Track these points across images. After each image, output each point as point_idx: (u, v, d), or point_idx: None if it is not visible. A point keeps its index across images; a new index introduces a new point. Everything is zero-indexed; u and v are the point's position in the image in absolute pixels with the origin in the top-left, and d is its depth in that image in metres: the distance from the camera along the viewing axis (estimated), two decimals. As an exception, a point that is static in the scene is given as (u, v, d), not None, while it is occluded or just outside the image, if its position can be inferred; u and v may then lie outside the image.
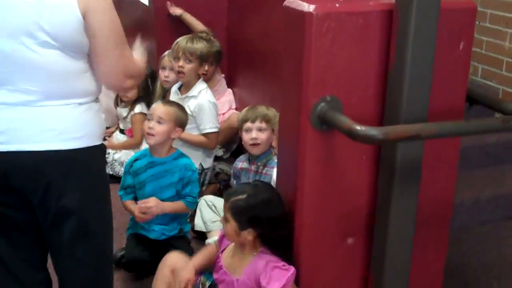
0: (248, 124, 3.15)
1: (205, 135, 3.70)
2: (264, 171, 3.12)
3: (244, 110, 3.29)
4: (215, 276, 2.35)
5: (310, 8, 1.94)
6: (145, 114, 4.00)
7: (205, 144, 3.72)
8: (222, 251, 2.38)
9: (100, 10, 1.87)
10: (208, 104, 3.73)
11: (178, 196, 3.14)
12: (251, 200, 2.17)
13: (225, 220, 2.21)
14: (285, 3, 2.07)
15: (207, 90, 3.81)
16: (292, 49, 2.05)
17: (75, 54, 1.89)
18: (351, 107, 2.05)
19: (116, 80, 2.02)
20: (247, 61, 4.19)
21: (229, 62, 4.46)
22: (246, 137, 3.14)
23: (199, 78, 3.84)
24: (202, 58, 3.80)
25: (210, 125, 3.71)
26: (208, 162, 3.83)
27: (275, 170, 2.51)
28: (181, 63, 3.75)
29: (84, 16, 1.84)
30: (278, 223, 2.16)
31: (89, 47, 1.90)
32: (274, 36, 3.44)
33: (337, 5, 1.98)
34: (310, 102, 2.01)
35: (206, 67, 3.93)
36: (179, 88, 3.86)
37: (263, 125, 3.13)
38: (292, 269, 2.13)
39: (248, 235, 2.18)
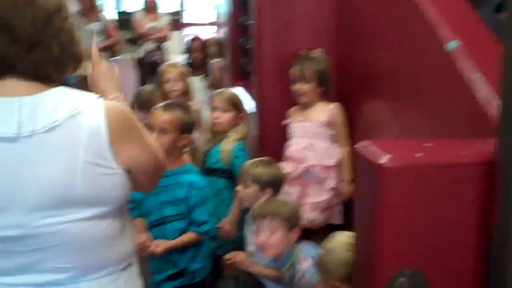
0: (255, 225, 2.54)
1: None
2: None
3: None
4: None
5: (383, 159, 1.56)
6: None
7: None
8: None
9: (143, 161, 1.54)
10: None
11: (186, 221, 2.68)
12: None
13: None
14: (357, 145, 1.71)
15: None
16: (364, 208, 1.66)
17: (113, 211, 1.54)
18: (440, 285, 1.59)
19: (156, 182, 1.72)
20: (361, 87, 3.36)
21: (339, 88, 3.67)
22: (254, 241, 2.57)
23: None
24: None
25: None
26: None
27: None
28: None
29: (127, 170, 1.51)
30: None
31: None
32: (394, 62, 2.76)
33: (418, 155, 1.58)
34: (385, 275, 1.57)
35: None
36: None
37: (274, 224, 2.44)
38: None
39: None
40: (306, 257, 2.43)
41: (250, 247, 2.71)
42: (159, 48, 7.78)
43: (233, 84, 4.66)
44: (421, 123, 2.38)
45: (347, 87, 3.33)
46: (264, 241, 2.41)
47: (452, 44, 2.16)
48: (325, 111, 3.26)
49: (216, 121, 3.11)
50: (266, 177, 2.72)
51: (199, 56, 5.38)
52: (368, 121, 3.06)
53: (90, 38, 7.29)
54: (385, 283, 1.57)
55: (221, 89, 3.50)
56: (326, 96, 3.34)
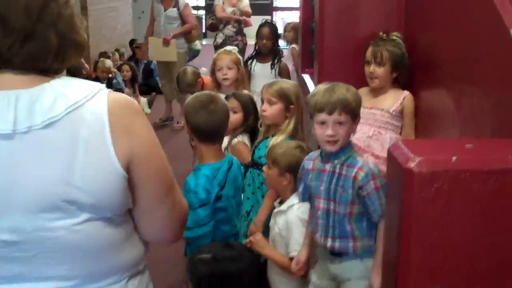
0: (323, 116, 2.31)
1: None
2: (343, 172, 2.32)
3: (317, 91, 2.38)
4: None
5: (412, 162, 1.37)
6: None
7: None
8: None
9: (144, 156, 1.39)
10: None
11: None
12: None
13: None
14: (390, 146, 1.53)
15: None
16: (392, 217, 1.48)
17: (116, 218, 1.42)
18: (477, 306, 1.39)
19: (169, 236, 1.58)
20: (426, 74, 3.08)
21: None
22: (320, 132, 2.32)
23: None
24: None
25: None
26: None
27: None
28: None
29: (128, 167, 1.37)
30: None
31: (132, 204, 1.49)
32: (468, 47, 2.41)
33: (454, 158, 1.37)
34: (412, 294, 1.39)
35: None
36: None
37: (343, 117, 2.29)
38: None
39: None
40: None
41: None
42: (240, 33, 7.68)
43: (303, 71, 4.50)
44: (484, 113, 2.14)
45: (412, 74, 3.08)
46: (334, 133, 2.27)
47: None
48: (396, 100, 3.04)
49: (263, 114, 2.95)
50: (285, 161, 2.59)
51: (268, 43, 5.20)
52: (432, 109, 2.82)
53: (168, 24, 7.38)
54: (412, 302, 1.39)
55: (273, 80, 3.33)
56: (399, 83, 3.11)
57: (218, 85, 3.90)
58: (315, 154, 2.46)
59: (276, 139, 2.83)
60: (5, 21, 1.30)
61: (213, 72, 3.90)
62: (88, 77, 7.81)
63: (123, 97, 1.39)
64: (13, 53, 1.31)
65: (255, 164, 2.92)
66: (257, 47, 5.31)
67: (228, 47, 4.15)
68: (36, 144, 1.28)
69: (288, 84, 3.04)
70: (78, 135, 1.28)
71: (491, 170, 1.36)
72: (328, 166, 2.33)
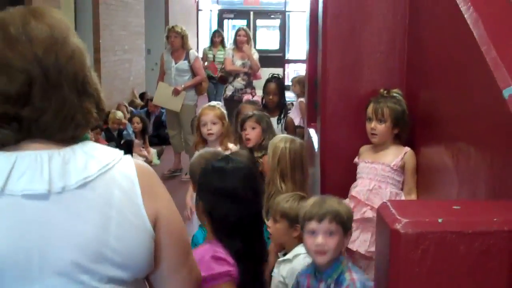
0: (313, 225, 2.30)
1: None
2: None
3: (309, 203, 2.41)
4: None
5: (398, 223, 1.39)
6: None
7: None
8: None
9: (168, 217, 1.43)
10: None
11: None
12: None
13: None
14: (379, 206, 1.55)
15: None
16: (380, 278, 1.49)
17: (136, 284, 1.42)
18: None
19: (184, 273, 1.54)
20: (424, 130, 3.10)
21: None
22: (310, 242, 2.31)
23: None
24: None
25: None
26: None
27: None
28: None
29: (155, 226, 1.39)
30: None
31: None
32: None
33: (440, 220, 1.39)
34: None
35: None
36: None
37: (333, 226, 2.27)
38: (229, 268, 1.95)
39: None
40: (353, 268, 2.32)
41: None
42: (250, 85, 7.80)
43: (308, 125, 4.55)
44: (479, 172, 2.16)
45: (414, 130, 3.12)
46: (323, 243, 2.26)
47: (510, 91, 1.94)
48: (397, 155, 3.07)
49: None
50: (295, 213, 2.59)
51: (274, 98, 5.29)
52: (432, 166, 2.84)
53: (178, 76, 7.55)
54: None
55: (279, 135, 3.41)
56: (400, 139, 3.15)
57: (203, 141, 3.96)
58: (308, 270, 2.45)
59: None
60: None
61: (198, 128, 3.96)
62: (99, 127, 7.93)
63: (146, 164, 1.46)
64: (43, 123, 1.32)
65: None
66: (264, 102, 5.39)
67: (213, 102, 4.23)
68: (70, 204, 1.29)
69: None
70: (112, 195, 1.31)
71: (476, 232, 1.38)
72: (322, 286, 2.33)
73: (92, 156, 1.34)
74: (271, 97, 5.30)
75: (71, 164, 1.30)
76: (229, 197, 2.12)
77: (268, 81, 5.46)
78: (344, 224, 2.29)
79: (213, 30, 11.37)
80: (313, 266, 2.39)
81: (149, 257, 1.37)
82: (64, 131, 1.34)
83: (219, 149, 3.80)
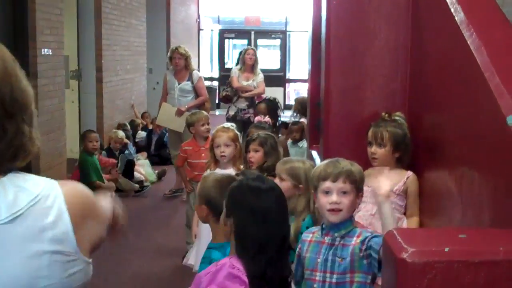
0: (328, 184, 2.36)
1: None
2: (341, 242, 2.32)
3: (322, 164, 2.50)
4: None
5: (405, 252, 1.39)
6: None
7: None
8: None
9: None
10: None
11: None
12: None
13: None
14: (385, 234, 1.55)
15: None
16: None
17: None
18: None
19: None
20: (428, 154, 3.12)
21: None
22: (324, 200, 2.35)
23: None
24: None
25: None
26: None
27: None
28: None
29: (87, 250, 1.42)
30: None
31: None
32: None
33: (447, 249, 1.40)
34: None
35: None
36: None
37: (347, 186, 2.34)
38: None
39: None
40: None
41: None
42: (252, 106, 7.81)
43: (311, 147, 4.56)
44: (483, 199, 2.16)
45: (416, 154, 3.12)
46: (338, 201, 2.33)
47: (513, 118, 1.96)
48: (400, 179, 3.07)
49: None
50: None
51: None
52: (436, 191, 2.85)
53: (181, 97, 7.63)
54: None
55: (287, 158, 3.41)
56: (403, 162, 3.14)
57: (216, 162, 4.00)
58: (315, 228, 2.49)
59: (297, 219, 2.87)
60: None
61: (211, 149, 4.00)
62: (102, 146, 7.95)
63: (76, 185, 1.43)
64: None
65: None
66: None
67: (226, 124, 4.26)
68: (1, 239, 1.27)
69: (298, 163, 3.11)
70: (41, 227, 1.29)
71: (482, 261, 1.38)
72: (327, 239, 2.36)
73: (22, 188, 1.32)
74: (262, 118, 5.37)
75: (0, 197, 1.28)
76: (263, 216, 2.13)
77: (258, 103, 5.51)
78: (357, 183, 2.38)
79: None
80: (322, 224, 2.44)
81: (81, 279, 1.37)
82: (14, 161, 1.34)
83: (231, 170, 3.86)
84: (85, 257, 1.37)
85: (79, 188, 1.43)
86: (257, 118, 6.52)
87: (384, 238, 1.53)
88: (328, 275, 2.29)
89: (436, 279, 1.37)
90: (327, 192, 2.35)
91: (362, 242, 2.24)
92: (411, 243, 1.42)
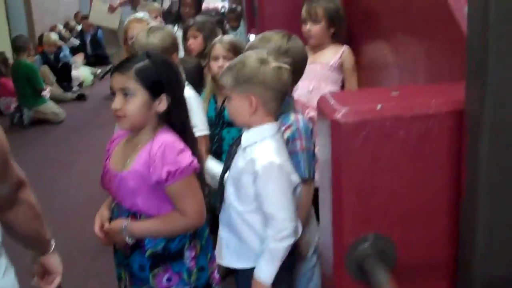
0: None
1: None
2: None
3: (256, 38, 2.45)
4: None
5: (338, 113, 1.38)
6: None
7: None
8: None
9: None
10: None
11: None
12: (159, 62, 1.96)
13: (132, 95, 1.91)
14: (318, 99, 1.54)
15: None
16: (322, 169, 1.50)
17: None
18: (409, 249, 1.43)
19: None
20: (364, 27, 3.03)
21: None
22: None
23: None
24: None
25: None
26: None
27: None
28: None
29: None
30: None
31: None
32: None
33: (379, 106, 1.39)
34: (346, 242, 1.43)
35: None
36: None
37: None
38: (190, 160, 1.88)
39: (161, 104, 1.94)
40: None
41: None
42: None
43: (249, 31, 4.48)
44: (418, 61, 2.17)
45: (350, 29, 3.10)
46: None
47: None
48: (335, 54, 3.06)
49: (220, 71, 2.91)
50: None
51: (191, 11, 5.16)
52: (372, 62, 2.85)
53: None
54: (346, 249, 1.42)
55: (220, 36, 3.29)
56: (338, 38, 3.12)
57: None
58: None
59: None
60: None
61: (125, 41, 3.80)
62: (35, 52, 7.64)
63: None
64: None
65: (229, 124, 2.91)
66: (180, 12, 5.30)
67: (139, 14, 4.03)
68: None
69: (235, 38, 3.06)
70: None
71: (414, 115, 1.39)
72: None
73: None
74: (187, 10, 5.18)
75: None
76: None
77: None
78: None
79: None
80: None
81: None
82: None
83: None
84: None
85: None
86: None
87: (317, 102, 1.52)
88: None
89: (369, 137, 1.38)
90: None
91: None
92: (343, 104, 1.41)
